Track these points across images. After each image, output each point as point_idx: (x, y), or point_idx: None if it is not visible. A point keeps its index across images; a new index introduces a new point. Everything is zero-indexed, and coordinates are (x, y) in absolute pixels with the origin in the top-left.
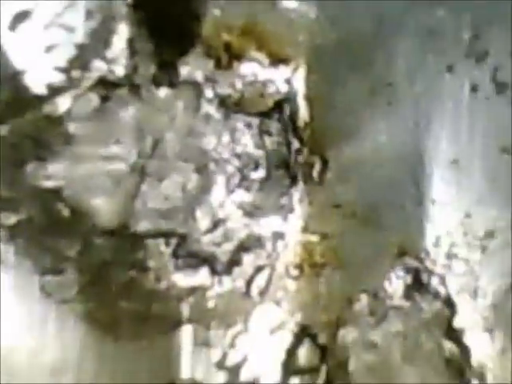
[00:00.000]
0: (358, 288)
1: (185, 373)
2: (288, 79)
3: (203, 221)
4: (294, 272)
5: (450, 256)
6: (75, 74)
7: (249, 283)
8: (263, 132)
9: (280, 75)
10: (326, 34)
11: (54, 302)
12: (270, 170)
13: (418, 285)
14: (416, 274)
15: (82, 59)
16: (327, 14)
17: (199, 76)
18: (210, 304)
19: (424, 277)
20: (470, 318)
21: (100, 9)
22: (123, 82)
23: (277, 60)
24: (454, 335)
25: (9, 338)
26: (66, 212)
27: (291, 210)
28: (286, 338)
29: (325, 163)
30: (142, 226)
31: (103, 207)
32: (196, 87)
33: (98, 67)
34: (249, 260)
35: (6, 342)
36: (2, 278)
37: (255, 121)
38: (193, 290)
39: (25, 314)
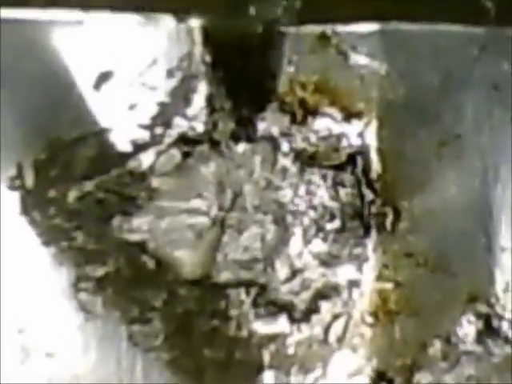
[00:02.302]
0: (431, 333)
1: None
2: (360, 133)
3: (282, 270)
4: (370, 319)
5: None
6: (158, 130)
7: (326, 330)
8: (338, 184)
9: (353, 129)
10: (395, 89)
11: (140, 351)
12: (344, 221)
13: (489, 330)
14: (487, 320)
15: (163, 117)
16: (397, 70)
17: (275, 131)
18: (290, 350)
19: (495, 322)
20: None
21: (180, 68)
22: (203, 138)
23: (349, 115)
24: None
25: None
26: (151, 264)
27: (366, 259)
28: (364, 383)
29: (397, 213)
30: (224, 276)
31: (186, 259)
32: (273, 142)
33: (179, 124)
34: (326, 308)
35: None
36: (91, 328)
37: (330, 173)
38: (273, 338)
39: (113, 363)
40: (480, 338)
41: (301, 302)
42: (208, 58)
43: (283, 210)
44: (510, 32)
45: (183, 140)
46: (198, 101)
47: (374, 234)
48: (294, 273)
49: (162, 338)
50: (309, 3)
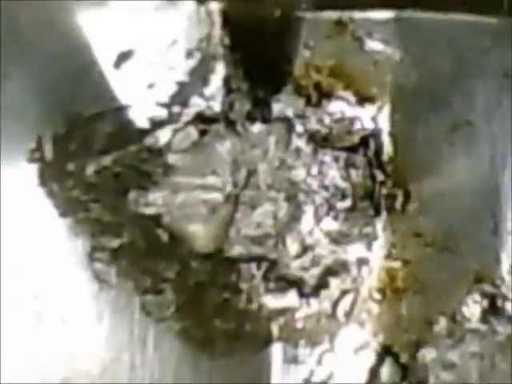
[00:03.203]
0: (437, 311)
1: None
2: (373, 117)
3: (292, 247)
4: (377, 296)
5: None
6: (175, 109)
7: (335, 305)
8: (349, 165)
9: (366, 113)
10: (408, 75)
11: (152, 321)
12: (355, 201)
13: (493, 309)
14: (492, 300)
15: (181, 96)
16: (410, 56)
17: (290, 113)
18: (299, 324)
19: (499, 302)
20: None
21: (199, 49)
22: (220, 118)
23: (363, 99)
24: None
25: (111, 353)
26: (165, 237)
27: (375, 238)
28: (370, 358)
29: (407, 195)
30: (236, 250)
31: (200, 233)
32: (287, 123)
33: (197, 103)
34: (335, 284)
35: (109, 356)
36: (104, 298)
37: (342, 155)
38: (282, 311)
39: (126, 332)
40: (485, 316)
41: (310, 277)
42: (226, 40)
43: (296, 189)
44: None
45: (200, 119)
46: (216, 81)
47: (383, 214)
48: (305, 249)
49: (173, 308)
50: None
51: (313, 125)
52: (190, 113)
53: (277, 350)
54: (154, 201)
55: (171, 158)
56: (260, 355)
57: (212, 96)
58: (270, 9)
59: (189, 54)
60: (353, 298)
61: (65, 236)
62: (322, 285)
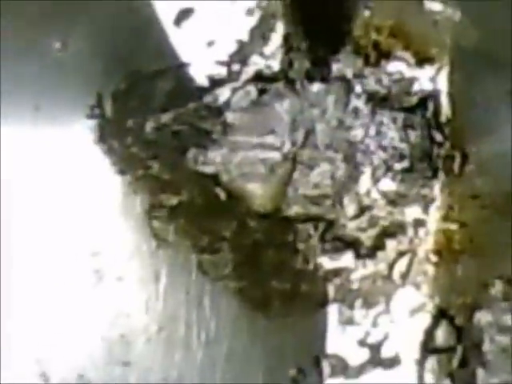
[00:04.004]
0: (493, 274)
1: (330, 348)
2: (432, 78)
3: (350, 207)
4: (434, 258)
5: None
6: (235, 67)
7: (391, 267)
8: (408, 126)
9: (425, 74)
10: (468, 36)
11: (209, 280)
12: (413, 162)
13: None
14: None
15: (241, 54)
16: (470, 17)
17: (349, 72)
18: (354, 285)
19: None
20: None
21: (259, 7)
22: (279, 77)
23: (422, 59)
24: None
25: (168, 311)
26: (223, 196)
27: (432, 200)
28: (425, 320)
29: (465, 157)
30: (293, 210)
31: (257, 192)
32: (346, 83)
33: (256, 62)
34: (391, 245)
35: (166, 314)
36: (162, 256)
37: (400, 116)
38: (338, 272)
39: (183, 290)
40: None
41: (367, 238)
42: None
43: (354, 149)
44: None
45: (259, 77)
46: (276, 40)
47: (441, 175)
48: (362, 210)
49: (230, 267)
50: None
51: (371, 85)
52: (249, 71)
53: (332, 311)
54: (213, 159)
55: (230, 117)
56: (316, 316)
57: (271, 55)
58: None
59: (249, 12)
60: (409, 260)
61: (123, 193)
62: (378, 246)
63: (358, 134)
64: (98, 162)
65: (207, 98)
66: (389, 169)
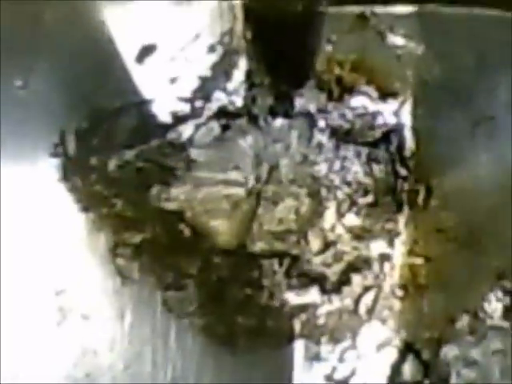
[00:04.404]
0: (459, 308)
1: None
2: (396, 112)
3: (315, 243)
4: (399, 292)
5: None
6: (198, 104)
7: (357, 302)
8: (372, 161)
9: (388, 108)
10: (431, 70)
11: (175, 316)
12: (377, 197)
13: None
14: None
15: (204, 90)
16: (432, 51)
17: (312, 108)
18: (321, 321)
19: None
20: None
21: (221, 43)
22: (242, 113)
23: (385, 93)
24: None
25: (134, 349)
26: (187, 232)
27: (397, 234)
28: (392, 354)
29: (429, 190)
30: (258, 246)
31: (222, 228)
32: (309, 118)
33: (219, 98)
34: (357, 280)
35: (132, 352)
36: (127, 293)
37: (364, 150)
38: (304, 308)
39: (148, 327)
40: (507, 313)
41: (332, 273)
42: (249, 35)
43: (318, 184)
44: None
45: (222, 113)
46: (238, 76)
47: (406, 209)
48: (327, 245)
49: (195, 304)
50: None
51: (335, 120)
52: (212, 107)
53: (299, 347)
54: (177, 196)
55: (193, 153)
56: (282, 352)
57: (234, 90)
58: (293, 3)
59: (211, 49)
60: (375, 295)
61: (87, 231)
62: (344, 281)
63: (322, 168)
64: (62, 200)
65: (170, 135)
66: (353, 203)
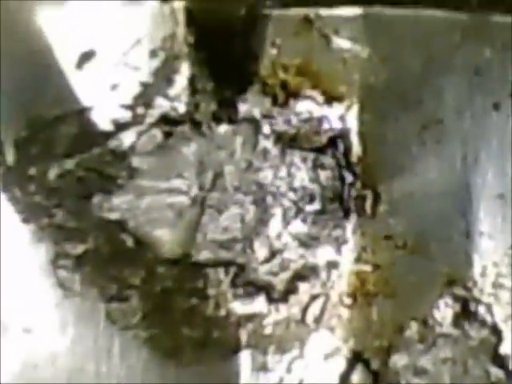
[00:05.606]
0: (409, 316)
1: None
2: (342, 116)
3: (261, 251)
4: (348, 300)
5: (496, 285)
6: (139, 110)
7: (304, 311)
8: (318, 167)
9: (334, 112)
10: (377, 73)
11: (118, 329)
12: (324, 203)
13: (465, 313)
14: (464, 303)
15: (145, 97)
16: (379, 54)
17: (257, 113)
18: (267, 330)
19: (472, 305)
20: None
21: (163, 49)
22: (185, 119)
23: (331, 98)
24: (500, 361)
25: (76, 363)
26: (130, 242)
27: (345, 241)
28: (340, 364)
29: (377, 196)
30: (203, 255)
31: (166, 238)
32: (254, 124)
33: (161, 104)
34: (304, 289)
35: (74, 365)
36: (69, 306)
37: (310, 156)
38: (251, 317)
39: (91, 340)
40: (457, 321)
41: (279, 282)
42: (191, 39)
43: (263, 191)
44: (492, 18)
45: (165, 120)
46: (180, 81)
47: (353, 216)
48: (273, 253)
49: (139, 316)
50: None
51: (280, 125)
52: (154, 114)
53: (245, 358)
54: (119, 205)
55: (136, 161)
56: (228, 363)
57: (177, 97)
58: (236, 6)
59: (152, 54)
60: (322, 303)
61: (27, 242)
62: (290, 290)
63: (267, 175)
64: (1, 210)
65: (112, 143)
66: (300, 211)
